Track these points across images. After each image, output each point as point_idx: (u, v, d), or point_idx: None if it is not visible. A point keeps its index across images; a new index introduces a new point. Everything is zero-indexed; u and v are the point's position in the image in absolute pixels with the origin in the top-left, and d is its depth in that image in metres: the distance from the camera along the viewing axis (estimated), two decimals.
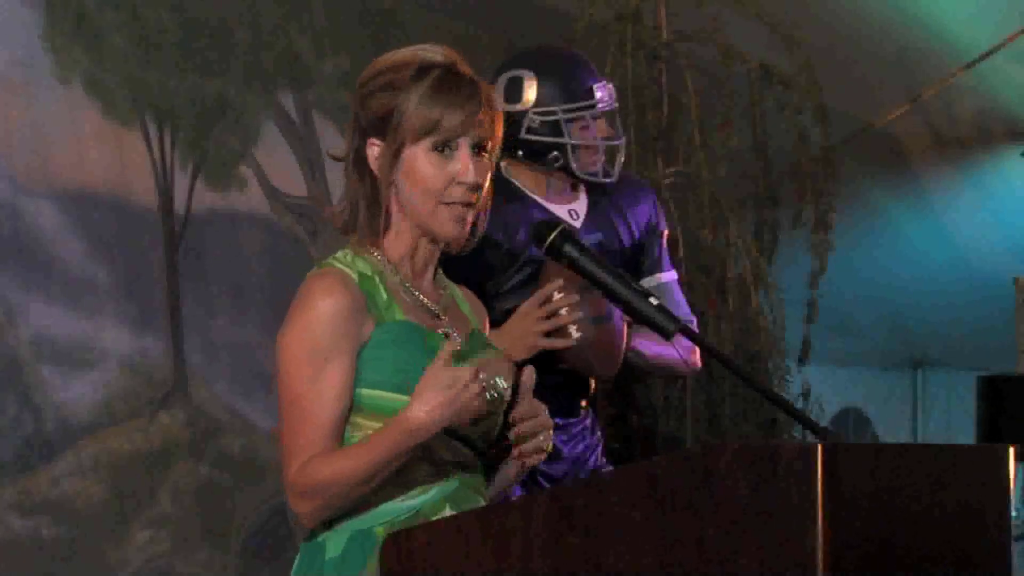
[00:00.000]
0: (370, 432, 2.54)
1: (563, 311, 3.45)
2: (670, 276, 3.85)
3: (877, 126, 7.05)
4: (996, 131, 7.28)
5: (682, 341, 3.02)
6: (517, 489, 2.99)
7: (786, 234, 5.76)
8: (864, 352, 8.29)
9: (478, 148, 2.60)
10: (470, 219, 2.63)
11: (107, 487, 4.79)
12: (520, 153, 3.68)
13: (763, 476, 2.17)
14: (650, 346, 3.70)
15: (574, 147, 3.67)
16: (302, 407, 2.52)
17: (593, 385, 3.76)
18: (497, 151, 2.67)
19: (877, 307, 7.94)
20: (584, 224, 3.70)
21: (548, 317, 3.45)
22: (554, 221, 3.05)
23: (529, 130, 3.66)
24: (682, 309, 3.80)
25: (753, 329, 5.54)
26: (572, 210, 3.72)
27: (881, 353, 8.46)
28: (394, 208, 2.63)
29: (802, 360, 5.80)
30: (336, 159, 2.68)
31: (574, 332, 3.47)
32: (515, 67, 3.71)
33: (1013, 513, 2.74)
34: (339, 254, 2.62)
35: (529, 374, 2.60)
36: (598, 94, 3.70)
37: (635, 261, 3.77)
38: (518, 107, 3.67)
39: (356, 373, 2.54)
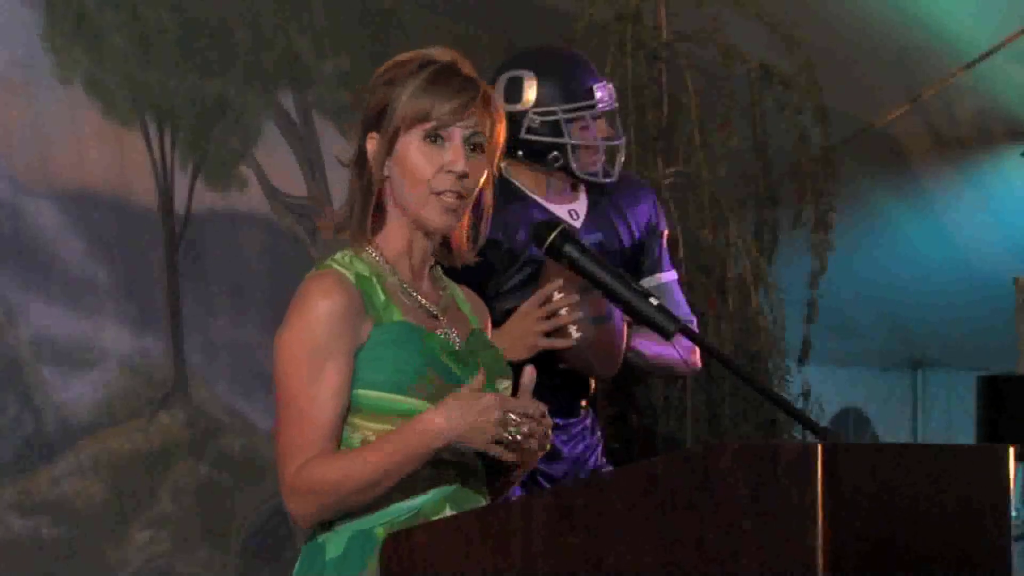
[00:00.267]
0: (369, 433, 2.55)
1: (563, 311, 3.45)
2: (670, 276, 3.85)
3: (877, 126, 7.05)
4: (996, 131, 7.28)
5: (682, 341, 3.02)
6: (517, 489, 2.99)
7: (786, 234, 5.76)
8: (864, 352, 8.29)
9: (472, 144, 2.60)
10: (463, 215, 2.63)
11: (107, 487, 4.79)
12: (520, 153, 3.68)
13: (763, 476, 2.17)
14: (650, 346, 3.70)
15: (574, 147, 3.67)
16: (300, 407, 2.52)
17: (593, 385, 3.76)
18: (499, 155, 2.67)
19: (877, 307, 7.94)
20: (584, 224, 3.70)
21: (548, 317, 3.45)
22: (554, 221, 3.05)
23: (529, 130, 3.66)
24: (682, 309, 3.80)
25: (753, 329, 5.54)
26: (572, 210, 3.72)
27: (881, 353, 8.46)
28: (388, 201, 2.63)
29: (802, 360, 5.79)
30: (343, 164, 2.69)
31: (574, 332, 3.47)
32: (515, 67, 3.71)
33: (1013, 513, 2.74)
34: (338, 255, 2.62)
35: (530, 376, 2.60)
36: (598, 94, 3.70)
37: (635, 261, 3.77)
38: (518, 107, 3.67)
39: (354, 374, 2.54)
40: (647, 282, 3.76)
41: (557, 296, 3.45)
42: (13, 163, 4.64)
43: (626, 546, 2.26)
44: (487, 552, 2.37)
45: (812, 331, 5.78)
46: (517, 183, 3.70)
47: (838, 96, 6.02)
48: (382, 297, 2.59)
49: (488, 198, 2.68)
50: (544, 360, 3.48)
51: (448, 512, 2.55)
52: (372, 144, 2.63)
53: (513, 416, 2.50)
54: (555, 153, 3.67)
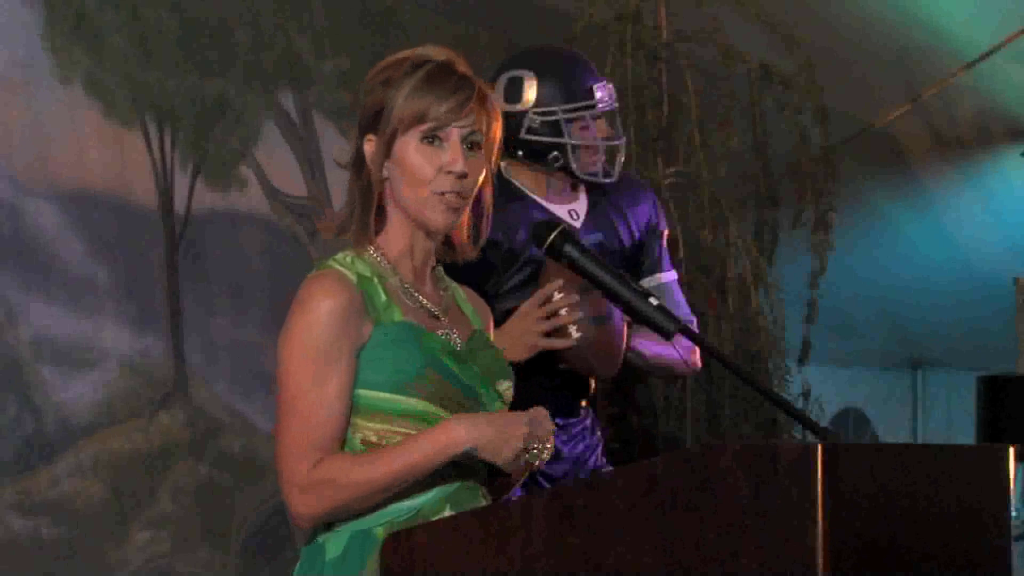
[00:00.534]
0: (369, 433, 2.55)
1: (563, 311, 3.45)
2: (670, 276, 3.85)
3: (877, 126, 7.05)
4: (996, 131, 7.28)
5: (682, 341, 3.02)
6: (517, 489, 2.99)
7: (786, 234, 5.76)
8: (864, 352, 8.29)
9: (470, 143, 2.60)
10: (464, 214, 2.63)
11: (107, 487, 4.79)
12: (520, 153, 3.68)
13: (763, 476, 2.17)
14: (650, 346, 3.70)
15: (574, 147, 3.67)
16: (307, 407, 2.52)
17: (593, 385, 3.76)
18: (497, 154, 2.67)
19: (877, 307, 7.94)
20: (584, 224, 3.70)
21: (548, 317, 3.45)
22: (554, 221, 3.05)
23: (529, 130, 3.66)
24: (682, 309, 3.80)
25: (753, 329, 5.54)
26: (572, 210, 3.72)
27: (881, 353, 8.46)
28: (388, 203, 2.64)
29: (802, 360, 5.80)
30: (341, 166, 2.69)
31: (574, 332, 3.47)
32: (515, 67, 3.71)
33: (1013, 513, 2.74)
34: (339, 255, 2.62)
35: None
36: (598, 94, 3.70)
37: (635, 261, 3.77)
38: (518, 107, 3.67)
39: (355, 374, 2.54)
40: (647, 282, 3.76)
41: (557, 296, 3.45)
42: (13, 163, 4.64)
43: (626, 546, 2.26)
44: (487, 552, 2.37)
45: (812, 331, 5.78)
46: (517, 183, 3.70)
47: (838, 96, 6.02)
48: (383, 297, 2.59)
49: (488, 195, 2.68)
50: (544, 360, 3.48)
51: (448, 512, 2.55)
52: (370, 146, 2.62)
53: (539, 435, 2.52)
54: (555, 153, 3.67)
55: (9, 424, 4.59)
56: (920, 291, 7.76)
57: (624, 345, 3.60)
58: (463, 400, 2.58)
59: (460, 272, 2.80)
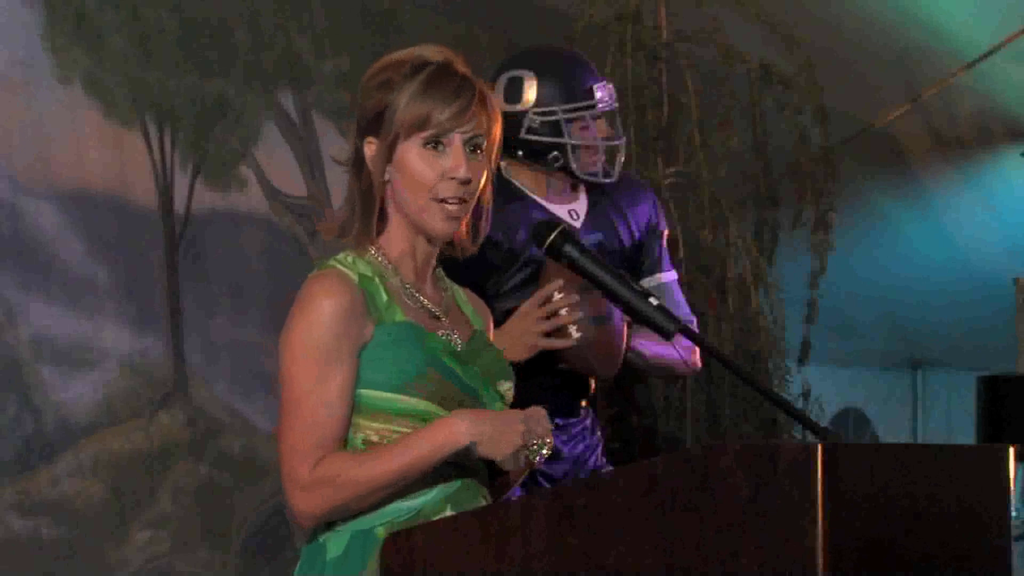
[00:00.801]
0: (369, 432, 2.55)
1: (563, 311, 3.45)
2: (670, 276, 3.85)
3: (877, 126, 7.05)
4: (996, 131, 7.28)
5: (682, 341, 3.02)
6: (517, 489, 2.99)
7: (786, 234, 5.76)
8: (864, 352, 8.29)
9: (472, 146, 2.60)
10: (464, 218, 2.63)
11: (107, 487, 4.79)
12: (520, 153, 3.68)
13: (763, 476, 2.17)
14: (650, 346, 3.70)
15: (574, 147, 3.67)
16: (309, 407, 2.52)
17: (593, 385, 3.76)
18: (497, 152, 2.67)
19: (877, 307, 7.94)
20: (584, 224, 3.70)
21: (548, 317, 3.45)
22: (554, 221, 3.05)
23: (529, 130, 3.66)
24: (682, 309, 3.80)
25: (753, 329, 5.54)
26: (572, 210, 3.72)
27: (881, 353, 8.46)
28: (390, 206, 2.63)
29: (802, 360, 5.79)
30: (339, 163, 2.68)
31: (574, 332, 3.47)
32: (515, 67, 3.71)
33: (1013, 513, 2.74)
34: (340, 255, 2.62)
35: None
36: (598, 94, 3.70)
37: (635, 261, 3.77)
38: (518, 107, 3.67)
39: (356, 374, 2.54)
40: (647, 282, 3.76)
41: (557, 296, 3.45)
42: (13, 163, 4.64)
43: (626, 546, 2.26)
44: (487, 552, 2.37)
45: (812, 331, 5.78)
46: (517, 183, 3.70)
47: (838, 96, 6.02)
48: (384, 297, 2.59)
49: (488, 194, 2.68)
50: (544, 360, 3.48)
51: (448, 512, 2.55)
52: (371, 149, 2.62)
53: (537, 432, 2.52)
54: (555, 153, 3.67)
55: (9, 424, 4.59)
56: (920, 291, 7.76)
57: (624, 345, 3.60)
58: (464, 400, 2.58)
59: (460, 272, 2.80)
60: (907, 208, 7.48)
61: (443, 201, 2.59)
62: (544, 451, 2.55)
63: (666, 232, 3.87)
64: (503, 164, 3.67)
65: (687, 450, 2.46)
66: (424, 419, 2.54)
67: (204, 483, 5.04)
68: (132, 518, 4.84)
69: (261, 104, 5.29)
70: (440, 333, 2.61)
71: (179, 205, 5.04)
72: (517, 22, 5.77)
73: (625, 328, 3.59)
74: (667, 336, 2.86)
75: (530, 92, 3.67)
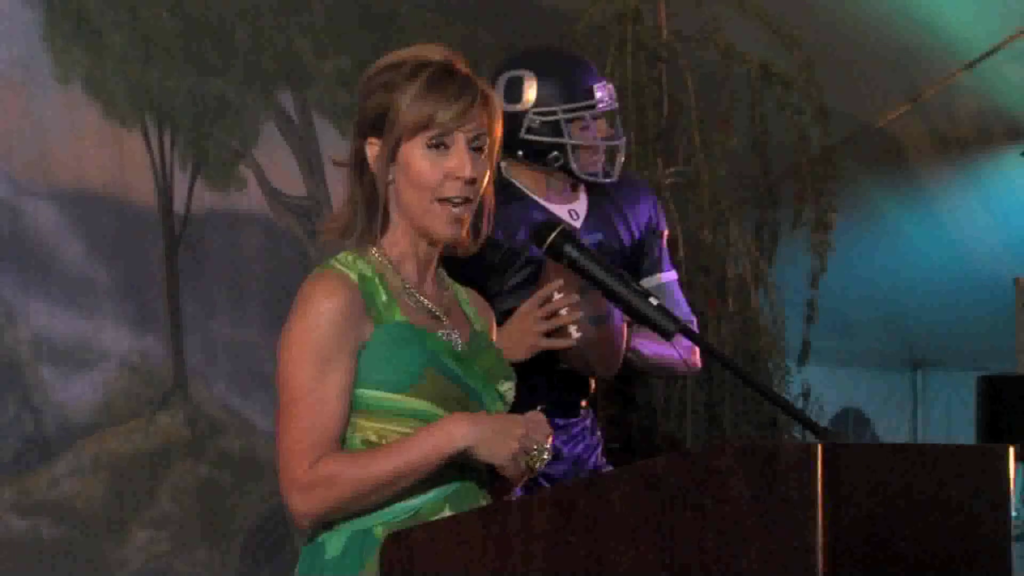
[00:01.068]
0: (369, 432, 2.55)
1: (563, 311, 3.45)
2: (670, 276, 3.84)
3: (877, 126, 7.05)
4: (996, 131, 7.29)
5: (682, 341, 3.02)
6: (517, 490, 2.99)
7: (786, 234, 5.76)
8: (864, 352, 8.29)
9: (475, 145, 2.60)
10: (467, 219, 2.63)
11: (107, 487, 4.79)
12: (520, 153, 3.68)
13: (763, 476, 2.17)
14: (650, 346, 3.69)
15: (574, 147, 3.66)
16: (307, 407, 2.51)
17: (593, 385, 3.75)
18: (498, 151, 2.67)
19: (877, 307, 7.94)
20: (584, 224, 3.69)
21: (548, 317, 3.45)
22: (554, 221, 3.05)
23: (529, 130, 3.66)
24: (682, 309, 3.80)
25: (753, 329, 5.54)
26: (572, 210, 3.71)
27: (881, 353, 8.46)
28: (392, 208, 2.63)
29: (802, 360, 5.79)
30: (340, 164, 2.68)
31: (574, 332, 3.47)
32: (515, 67, 3.71)
33: (1013, 513, 2.74)
34: (340, 255, 2.62)
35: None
36: (598, 94, 3.70)
37: (635, 261, 3.77)
38: (518, 107, 3.66)
39: (356, 373, 2.54)
40: (647, 282, 3.76)
41: (557, 296, 3.44)
42: (13, 163, 4.64)
43: (626, 546, 2.26)
44: (487, 552, 2.37)
45: (812, 331, 5.78)
46: (517, 183, 3.70)
47: (838, 96, 6.02)
48: (384, 297, 2.59)
49: (489, 192, 2.68)
50: (544, 360, 3.48)
51: (447, 512, 2.55)
52: (373, 149, 2.61)
53: (537, 439, 2.52)
54: (555, 153, 3.67)
55: (9, 424, 4.59)
56: (920, 291, 7.77)
57: (624, 345, 3.60)
58: (464, 401, 2.58)
59: (461, 272, 2.80)
60: (907, 208, 7.49)
61: (447, 201, 2.58)
62: (545, 456, 2.55)
63: (666, 232, 3.87)
64: (503, 164, 3.67)
65: (687, 450, 2.46)
66: (424, 419, 2.54)
67: (204, 483, 5.04)
68: (132, 518, 4.84)
69: (261, 104, 5.30)
70: (440, 333, 2.61)
71: (179, 205, 5.05)
72: (517, 22, 5.77)
73: (625, 328, 3.59)
74: (667, 336, 2.86)
75: (530, 92, 3.67)
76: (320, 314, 2.53)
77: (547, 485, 3.61)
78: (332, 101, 5.46)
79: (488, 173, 2.63)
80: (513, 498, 2.65)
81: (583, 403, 3.74)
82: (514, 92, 3.68)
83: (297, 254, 5.34)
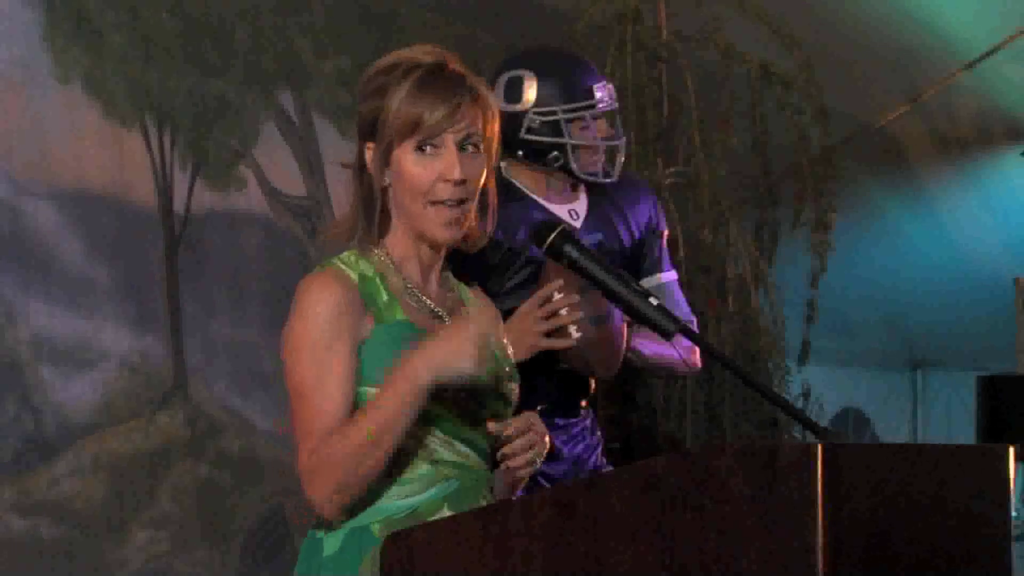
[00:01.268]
0: None
1: (563, 311, 3.45)
2: (670, 276, 3.84)
3: (877, 126, 7.05)
4: (996, 131, 7.29)
5: (682, 341, 3.02)
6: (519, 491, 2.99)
7: (786, 234, 5.75)
8: (864, 352, 8.29)
9: (467, 144, 2.60)
10: (464, 219, 2.63)
11: (107, 487, 4.79)
12: (520, 153, 3.68)
13: (763, 476, 2.17)
14: (650, 346, 3.69)
15: (574, 147, 3.66)
16: (307, 398, 2.53)
17: (593, 385, 3.75)
18: (497, 147, 2.66)
19: (877, 307, 7.94)
20: (584, 224, 3.69)
21: (548, 317, 3.45)
22: (554, 221, 3.05)
23: (529, 130, 3.66)
24: (682, 309, 3.80)
25: (753, 329, 5.54)
26: (572, 210, 3.71)
27: (881, 353, 8.46)
28: (392, 211, 2.64)
29: (802, 360, 5.79)
30: (347, 167, 2.69)
31: (574, 332, 3.47)
32: (515, 67, 3.71)
33: (1013, 513, 2.74)
34: (343, 255, 2.63)
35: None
36: (598, 94, 3.70)
37: (635, 261, 3.77)
38: (518, 107, 3.66)
39: (357, 371, 2.55)
40: (647, 282, 3.76)
41: (557, 296, 3.44)
42: (13, 163, 4.64)
43: (626, 546, 2.26)
44: (487, 552, 2.37)
45: (812, 331, 5.78)
46: (517, 183, 3.70)
47: (838, 96, 6.02)
48: (385, 297, 2.59)
49: (492, 191, 2.67)
50: (544, 360, 3.48)
51: (446, 511, 2.55)
52: (370, 153, 2.63)
53: (492, 333, 2.51)
54: (555, 153, 3.67)
55: (9, 424, 4.59)
56: (920, 291, 7.76)
57: (624, 345, 3.60)
58: (464, 399, 2.58)
59: (460, 272, 2.80)
60: (907, 208, 7.49)
61: (440, 204, 2.59)
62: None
63: (666, 232, 3.87)
64: (503, 164, 3.67)
65: (687, 450, 2.46)
66: (423, 417, 2.54)
67: (204, 483, 5.04)
68: (132, 518, 4.84)
69: (260, 104, 5.30)
70: None
71: (179, 205, 5.05)
72: (517, 22, 5.77)
73: (625, 328, 3.59)
74: (667, 336, 2.86)
75: (530, 92, 3.67)
76: (315, 310, 2.54)
77: (547, 485, 3.62)
78: (332, 101, 5.46)
79: (484, 171, 2.63)
80: (513, 498, 2.65)
81: (583, 403, 3.74)
82: (514, 92, 3.68)
83: (297, 254, 5.34)
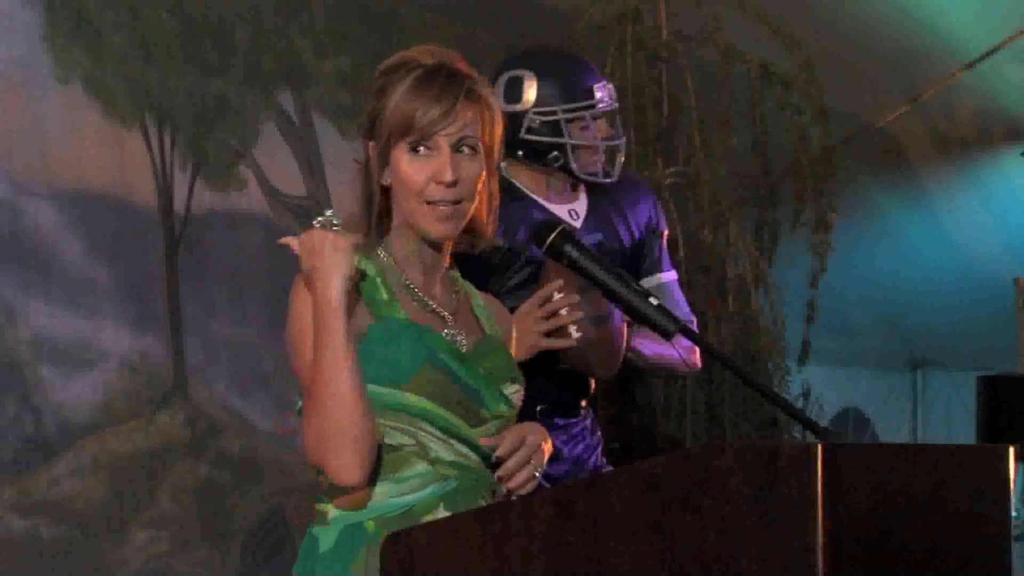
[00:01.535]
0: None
1: (563, 311, 3.45)
2: (670, 276, 3.84)
3: (877, 126, 7.05)
4: (996, 131, 7.29)
5: (682, 341, 3.02)
6: None
7: (786, 234, 5.75)
8: (864, 352, 8.29)
9: (462, 146, 2.60)
10: (462, 215, 2.62)
11: (107, 487, 4.79)
12: (520, 153, 3.68)
13: (763, 476, 2.17)
14: (650, 346, 3.69)
15: (574, 147, 3.66)
16: (306, 384, 2.53)
17: (593, 385, 3.75)
18: (498, 147, 2.66)
19: (877, 307, 7.94)
20: (584, 224, 3.69)
21: (548, 317, 3.45)
22: (554, 221, 3.05)
23: (529, 130, 3.66)
24: (682, 309, 3.80)
25: (753, 329, 5.54)
26: (572, 210, 3.71)
27: (881, 353, 8.46)
28: (393, 210, 2.65)
29: (802, 360, 5.79)
30: (357, 163, 2.70)
31: (574, 332, 3.47)
32: (515, 67, 3.71)
33: (1013, 513, 2.74)
34: None
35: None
36: (598, 94, 3.70)
37: (635, 261, 3.77)
38: (518, 107, 3.66)
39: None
40: (647, 282, 3.76)
41: (557, 296, 3.44)
42: (13, 163, 4.64)
43: (626, 546, 2.26)
44: (487, 552, 2.37)
45: (812, 331, 5.78)
46: (517, 183, 3.70)
47: (838, 96, 6.02)
48: (385, 296, 2.60)
49: (494, 189, 2.67)
50: (544, 360, 3.48)
51: (441, 511, 2.55)
52: (371, 153, 2.64)
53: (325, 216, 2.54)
54: (555, 153, 3.67)
55: (9, 424, 4.59)
56: (920, 291, 7.76)
57: (624, 345, 3.60)
58: (463, 399, 2.58)
59: (460, 272, 2.80)
60: (907, 208, 7.49)
61: (433, 204, 2.59)
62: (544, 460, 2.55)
63: (666, 232, 3.87)
64: (503, 164, 3.67)
65: (687, 450, 2.46)
66: (421, 416, 2.54)
67: (204, 483, 5.04)
68: (132, 518, 4.85)
69: (261, 104, 5.30)
70: (444, 332, 2.62)
71: (179, 205, 5.05)
72: (517, 22, 5.77)
73: (625, 328, 3.59)
74: (667, 336, 2.86)
75: (530, 92, 3.67)
76: (306, 303, 2.54)
77: (547, 485, 3.62)
78: (332, 101, 5.46)
79: (482, 171, 2.63)
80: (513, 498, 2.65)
81: (583, 403, 3.74)
82: (514, 92, 3.68)
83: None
